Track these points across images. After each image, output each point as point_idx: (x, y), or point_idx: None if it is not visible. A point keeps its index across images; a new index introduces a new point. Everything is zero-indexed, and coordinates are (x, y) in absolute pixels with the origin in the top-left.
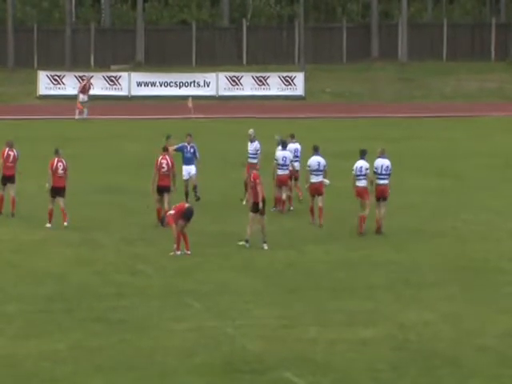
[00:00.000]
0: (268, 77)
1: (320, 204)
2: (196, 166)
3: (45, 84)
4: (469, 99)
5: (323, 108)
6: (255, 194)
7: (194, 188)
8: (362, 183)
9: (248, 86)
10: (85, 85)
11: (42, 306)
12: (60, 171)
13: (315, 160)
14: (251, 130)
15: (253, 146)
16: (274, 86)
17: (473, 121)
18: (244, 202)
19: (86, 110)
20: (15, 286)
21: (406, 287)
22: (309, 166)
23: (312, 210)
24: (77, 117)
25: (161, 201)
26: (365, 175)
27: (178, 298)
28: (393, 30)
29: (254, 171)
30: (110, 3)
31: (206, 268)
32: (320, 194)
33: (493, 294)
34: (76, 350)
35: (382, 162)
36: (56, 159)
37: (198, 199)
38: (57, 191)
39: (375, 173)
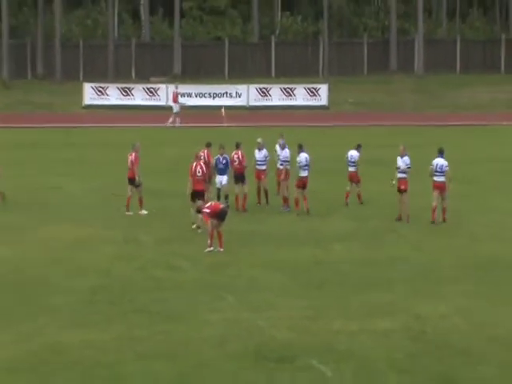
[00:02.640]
0: (294, 88)
1: (305, 195)
2: (228, 176)
3: (90, 95)
4: (481, 109)
5: (345, 117)
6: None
7: (226, 197)
8: (440, 179)
9: (276, 96)
10: (175, 94)
11: (87, 298)
12: (129, 163)
13: (303, 156)
14: (260, 139)
15: (261, 154)
16: (300, 96)
17: (485, 129)
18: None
19: (178, 119)
20: (63, 280)
21: (424, 282)
22: (299, 163)
23: (297, 201)
24: (168, 124)
25: (193, 206)
26: (443, 172)
27: (213, 291)
28: (410, 46)
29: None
30: (150, 20)
31: (238, 265)
32: (305, 187)
33: (506, 289)
34: (119, 340)
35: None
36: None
37: (228, 207)
38: (129, 181)
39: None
